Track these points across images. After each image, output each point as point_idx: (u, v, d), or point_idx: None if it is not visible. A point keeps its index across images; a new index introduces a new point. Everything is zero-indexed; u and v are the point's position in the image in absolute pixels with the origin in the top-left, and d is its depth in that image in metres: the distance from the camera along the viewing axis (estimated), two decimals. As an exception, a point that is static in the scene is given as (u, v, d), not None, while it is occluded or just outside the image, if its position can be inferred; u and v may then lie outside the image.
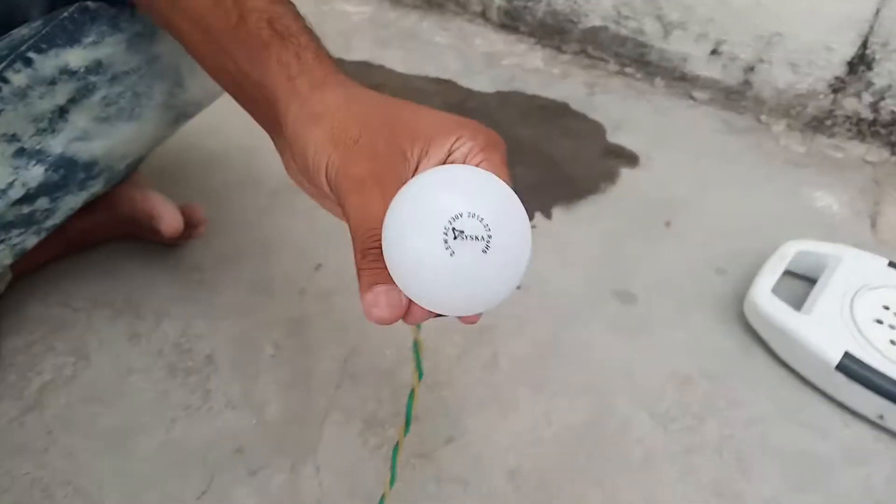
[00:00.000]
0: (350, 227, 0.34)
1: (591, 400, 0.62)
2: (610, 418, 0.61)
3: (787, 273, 0.73)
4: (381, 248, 0.31)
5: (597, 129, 0.93)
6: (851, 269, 0.69)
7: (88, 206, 0.62)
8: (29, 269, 0.65)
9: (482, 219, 0.27)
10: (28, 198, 0.53)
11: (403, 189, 0.30)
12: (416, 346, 0.38)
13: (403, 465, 0.56)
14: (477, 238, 0.27)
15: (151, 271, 0.68)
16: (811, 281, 0.72)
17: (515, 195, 0.29)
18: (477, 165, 0.35)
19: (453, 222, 0.27)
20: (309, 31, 0.40)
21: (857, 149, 0.91)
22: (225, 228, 0.73)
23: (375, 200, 0.33)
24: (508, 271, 0.28)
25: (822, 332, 0.63)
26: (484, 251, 0.27)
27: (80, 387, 0.58)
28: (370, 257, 0.32)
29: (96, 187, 0.58)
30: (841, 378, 0.61)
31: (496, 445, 0.58)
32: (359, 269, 0.33)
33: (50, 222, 0.56)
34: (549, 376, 0.63)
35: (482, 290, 0.28)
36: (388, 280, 0.31)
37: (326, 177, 0.35)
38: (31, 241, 0.56)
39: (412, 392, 0.40)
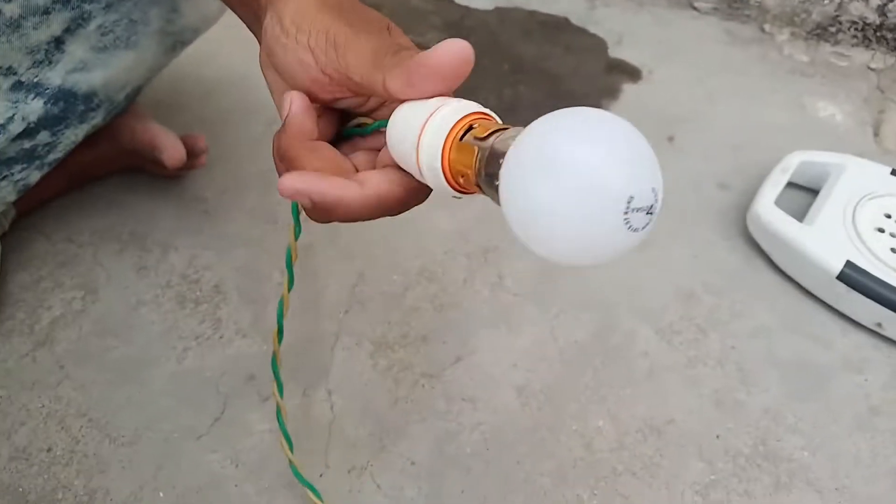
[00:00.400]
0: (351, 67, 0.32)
1: (596, 316, 0.63)
2: (614, 334, 0.62)
3: (791, 185, 0.73)
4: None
5: (598, 44, 0.91)
6: (854, 178, 0.69)
7: (89, 140, 0.61)
8: (33, 205, 0.65)
9: (656, 193, 0.24)
10: (28, 132, 0.52)
11: (558, 142, 0.25)
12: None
13: (412, 386, 0.57)
14: (649, 209, 0.24)
15: (155, 204, 0.68)
16: (815, 192, 0.72)
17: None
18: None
19: (632, 203, 0.24)
20: None
21: (863, 56, 0.89)
22: (226, 158, 0.73)
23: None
24: (644, 237, 0.25)
25: (824, 241, 0.64)
26: (646, 227, 0.25)
27: (90, 321, 0.59)
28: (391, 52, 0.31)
29: (96, 119, 0.57)
30: (842, 287, 0.61)
31: (503, 363, 0.59)
32: (382, 65, 0.31)
33: (52, 156, 0.56)
34: (554, 295, 0.64)
35: (617, 253, 0.26)
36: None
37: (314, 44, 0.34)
38: (34, 176, 0.56)
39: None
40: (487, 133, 0.28)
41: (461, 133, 0.29)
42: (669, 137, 0.80)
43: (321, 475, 0.52)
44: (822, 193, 0.69)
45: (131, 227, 0.66)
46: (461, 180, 0.29)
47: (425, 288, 0.64)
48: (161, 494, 0.50)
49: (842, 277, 0.61)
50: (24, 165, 0.55)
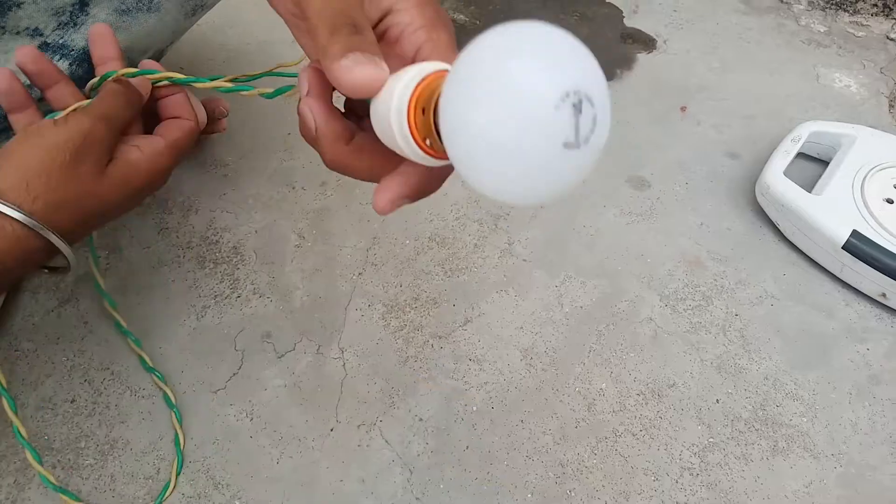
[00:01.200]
0: (311, 15, 0.31)
1: (602, 283, 0.64)
2: (620, 300, 0.63)
3: (802, 156, 0.74)
4: (353, 24, 0.29)
5: (614, 13, 0.91)
6: (864, 148, 0.69)
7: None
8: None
9: (591, 97, 0.22)
10: None
11: (487, 47, 0.23)
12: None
13: (422, 346, 0.59)
14: (583, 101, 0.21)
15: (178, 167, 0.70)
16: (825, 163, 0.72)
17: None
18: (419, 43, 0.32)
19: (567, 95, 0.21)
20: None
21: (881, 25, 0.88)
22: (246, 124, 0.74)
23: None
24: (596, 156, 0.22)
25: (831, 211, 0.64)
26: (590, 136, 0.22)
27: (113, 279, 0.61)
28: (344, 31, 0.30)
29: None
30: (847, 257, 0.62)
31: (510, 326, 0.61)
32: (326, 42, 0.30)
33: None
34: (561, 261, 0.66)
35: (569, 181, 0.23)
36: (369, 50, 0.29)
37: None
38: None
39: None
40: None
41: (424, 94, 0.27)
42: (682, 107, 0.80)
43: (331, 430, 0.54)
44: (832, 164, 0.70)
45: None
46: (428, 142, 0.27)
47: (436, 252, 0.65)
48: (178, 385, 0.53)
49: (847, 247, 0.62)
50: None
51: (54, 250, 0.43)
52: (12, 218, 0.40)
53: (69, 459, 0.52)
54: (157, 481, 0.51)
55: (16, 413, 0.50)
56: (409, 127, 0.27)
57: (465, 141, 0.22)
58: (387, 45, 0.33)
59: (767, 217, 0.69)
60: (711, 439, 0.55)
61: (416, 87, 0.27)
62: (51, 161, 0.42)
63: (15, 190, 0.41)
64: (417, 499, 0.51)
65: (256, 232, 0.65)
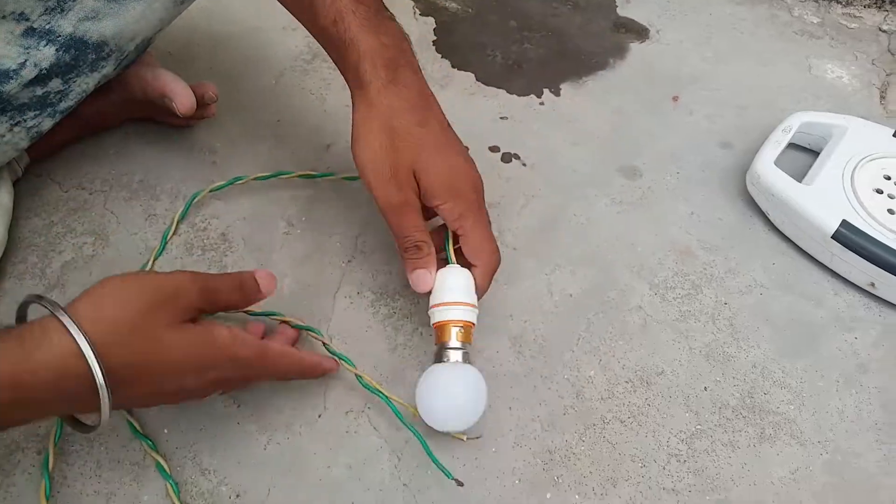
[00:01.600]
0: (393, 232, 0.54)
1: (593, 271, 0.64)
2: (610, 288, 0.63)
3: (794, 146, 0.74)
4: (416, 245, 0.53)
5: (607, 3, 0.91)
6: (856, 139, 0.69)
7: (101, 88, 0.63)
8: (45, 152, 0.67)
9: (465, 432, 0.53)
10: (41, 79, 0.53)
11: (431, 381, 0.51)
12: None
13: (411, 334, 0.59)
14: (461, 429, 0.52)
15: (166, 153, 0.70)
16: (815, 154, 0.72)
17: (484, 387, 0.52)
18: (455, 228, 0.54)
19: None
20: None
21: (874, 17, 0.88)
22: (235, 110, 0.74)
23: (409, 219, 0.53)
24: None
25: (822, 201, 0.64)
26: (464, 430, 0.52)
27: (100, 265, 0.61)
28: (410, 252, 0.53)
29: (107, 68, 0.58)
30: (836, 246, 0.62)
31: (499, 314, 0.61)
32: (404, 259, 0.54)
33: (64, 104, 0.57)
34: (552, 249, 0.66)
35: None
36: (425, 266, 0.53)
37: (367, 185, 0.53)
38: (47, 123, 0.57)
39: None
40: (448, 339, 0.52)
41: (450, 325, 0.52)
42: (675, 97, 0.80)
43: (319, 416, 0.54)
44: (822, 154, 0.70)
45: (141, 176, 0.68)
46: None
47: (426, 240, 0.65)
48: (165, 430, 0.52)
49: (837, 237, 0.62)
50: (37, 112, 0.56)
51: (91, 399, 0.39)
52: (67, 331, 0.38)
53: (57, 446, 0.52)
54: (143, 467, 0.51)
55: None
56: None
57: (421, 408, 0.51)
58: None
59: (758, 207, 0.69)
60: (699, 426, 0.55)
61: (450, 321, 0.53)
62: (131, 297, 0.41)
63: (83, 309, 0.40)
64: (405, 485, 0.51)
65: (245, 219, 0.65)
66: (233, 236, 0.64)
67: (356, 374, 0.54)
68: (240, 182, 0.65)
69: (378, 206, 0.53)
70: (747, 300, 0.63)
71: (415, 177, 0.52)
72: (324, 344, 0.56)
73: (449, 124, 0.56)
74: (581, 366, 0.58)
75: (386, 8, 0.55)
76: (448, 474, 0.51)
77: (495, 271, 0.55)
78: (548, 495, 0.51)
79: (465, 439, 0.53)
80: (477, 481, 0.52)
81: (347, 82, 0.55)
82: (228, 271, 0.61)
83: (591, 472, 0.52)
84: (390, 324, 0.60)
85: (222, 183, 0.65)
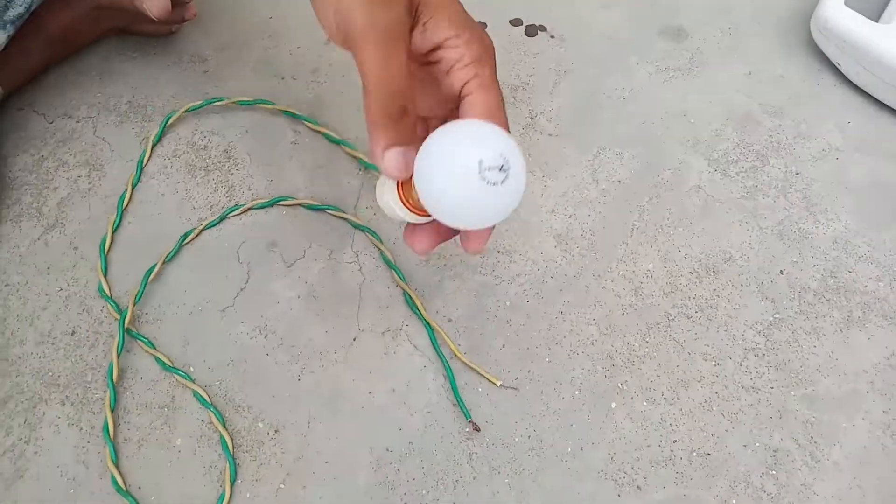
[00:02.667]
0: (367, 81, 0.36)
1: (641, 152, 0.57)
2: (663, 169, 0.56)
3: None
4: (399, 110, 0.36)
5: None
6: (943, -35, 0.59)
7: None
8: (21, 81, 0.60)
9: (505, 160, 0.33)
10: None
11: (437, 140, 0.34)
12: None
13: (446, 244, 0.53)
14: (501, 169, 0.33)
15: (151, 69, 0.63)
16: (892, -12, 0.62)
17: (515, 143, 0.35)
18: (466, 78, 0.38)
19: (483, 164, 0.33)
20: None
21: None
22: (222, 13, 0.66)
23: (396, 59, 0.36)
24: (517, 195, 0.35)
25: (906, 44, 0.55)
26: (504, 181, 0.33)
27: (98, 198, 0.56)
28: (389, 118, 0.36)
29: None
30: (926, 93, 0.54)
31: (540, 210, 0.54)
32: (374, 126, 0.36)
33: (12, 12, 0.50)
34: (593, 131, 0.58)
35: (502, 210, 0.35)
36: (405, 141, 0.36)
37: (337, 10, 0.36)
38: None
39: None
40: None
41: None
42: (719, -60, 0.69)
43: (354, 339, 0.49)
44: (902, -13, 0.60)
45: (129, 97, 0.61)
46: (411, 202, 0.38)
47: (451, 135, 0.58)
48: (192, 369, 0.49)
49: (926, 82, 0.54)
50: None
51: None
52: None
53: (77, 395, 0.48)
54: (172, 409, 0.47)
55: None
56: (399, 196, 0.38)
57: (432, 198, 0.34)
58: (437, 75, 0.39)
59: (826, 58, 0.60)
60: (777, 315, 0.49)
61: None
62: None
63: None
64: (454, 405, 0.47)
65: (247, 131, 0.59)
66: (236, 153, 0.58)
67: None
68: (218, 103, 0.59)
69: (348, 37, 0.36)
70: (822, 167, 0.56)
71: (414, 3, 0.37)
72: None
73: None
74: (637, 259, 0.52)
75: None
76: (467, 415, 0.46)
77: None
78: (612, 405, 0.46)
79: (498, 384, 0.47)
80: (532, 396, 0.47)
81: None
82: (237, 191, 0.56)
83: (658, 376, 0.47)
84: (420, 232, 0.54)
85: (198, 103, 0.59)
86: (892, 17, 0.57)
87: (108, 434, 0.46)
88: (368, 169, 0.57)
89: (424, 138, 0.35)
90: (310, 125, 0.59)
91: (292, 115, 0.59)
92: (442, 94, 0.39)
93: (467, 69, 0.37)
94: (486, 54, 0.38)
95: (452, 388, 0.47)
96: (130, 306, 0.50)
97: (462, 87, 0.38)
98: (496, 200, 0.34)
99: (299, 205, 0.55)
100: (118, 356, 0.48)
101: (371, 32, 0.35)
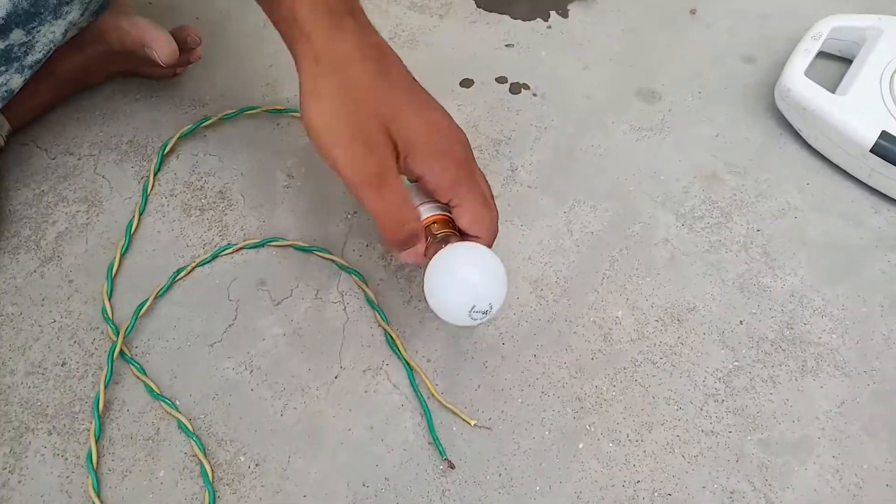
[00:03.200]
0: (376, 218, 0.43)
1: (614, 205, 0.60)
2: (633, 222, 0.59)
3: (823, 54, 0.68)
4: (410, 236, 0.45)
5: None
6: (892, 41, 0.64)
7: (76, 43, 0.58)
8: (28, 118, 0.63)
9: (491, 306, 0.44)
10: (0, 30, 0.49)
11: (443, 261, 0.45)
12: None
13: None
14: (485, 313, 0.44)
15: (153, 111, 0.66)
16: (849, 62, 0.66)
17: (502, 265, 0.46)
18: (447, 200, 0.46)
19: (474, 308, 0.44)
20: None
21: None
22: (223, 59, 0.69)
23: (393, 195, 0.43)
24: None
25: (858, 112, 0.59)
26: (486, 315, 0.44)
27: (95, 233, 0.58)
28: (401, 244, 0.45)
29: (72, 14, 0.53)
30: (876, 160, 0.58)
31: (517, 257, 0.57)
32: (391, 250, 0.50)
33: (31, 58, 0.53)
34: (569, 185, 0.62)
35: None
36: (415, 248, 0.46)
37: (326, 157, 0.43)
38: (16, 80, 0.53)
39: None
40: (436, 232, 0.46)
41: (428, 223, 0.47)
42: (692, 10, 0.74)
43: (336, 376, 0.52)
44: (856, 61, 0.65)
45: (130, 136, 0.64)
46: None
47: (435, 184, 0.61)
48: (178, 402, 0.50)
49: (876, 150, 0.57)
50: (2, 69, 0.52)
51: None
52: None
53: (64, 425, 0.50)
54: (156, 441, 0.49)
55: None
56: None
57: (431, 304, 0.46)
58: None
59: (788, 123, 0.64)
60: (736, 363, 0.52)
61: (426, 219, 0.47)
62: None
63: None
64: (430, 443, 0.49)
65: (243, 174, 0.62)
66: (231, 193, 0.60)
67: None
68: (206, 123, 0.63)
69: (347, 184, 0.42)
70: (781, 225, 0.59)
71: (395, 135, 0.43)
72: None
73: (415, 79, 0.46)
74: (607, 306, 0.55)
75: None
76: (442, 453, 0.48)
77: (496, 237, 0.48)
78: (580, 445, 0.49)
79: (472, 424, 0.49)
80: (504, 434, 0.49)
81: (285, 38, 0.45)
82: (230, 231, 0.58)
83: (624, 418, 0.50)
84: (402, 275, 0.56)
85: (190, 126, 0.63)
86: (847, 89, 0.62)
87: (92, 464, 0.48)
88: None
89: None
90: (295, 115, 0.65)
91: (276, 112, 0.65)
92: None
93: (447, 194, 0.45)
94: (461, 173, 0.45)
95: (429, 427, 0.49)
96: (121, 339, 0.52)
97: (447, 203, 0.46)
98: (472, 324, 0.45)
99: (289, 246, 0.57)
100: (105, 387, 0.50)
101: (364, 179, 0.42)
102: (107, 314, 0.53)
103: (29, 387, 0.51)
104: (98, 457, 0.48)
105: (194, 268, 0.56)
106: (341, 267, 0.56)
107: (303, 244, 0.57)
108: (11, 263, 0.57)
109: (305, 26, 0.43)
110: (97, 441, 0.48)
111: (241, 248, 0.57)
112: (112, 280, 0.55)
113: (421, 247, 0.46)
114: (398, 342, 0.52)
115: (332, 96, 0.42)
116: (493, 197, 0.48)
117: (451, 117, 0.46)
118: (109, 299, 0.54)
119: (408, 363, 0.52)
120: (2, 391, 0.51)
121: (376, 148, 0.42)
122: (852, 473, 0.48)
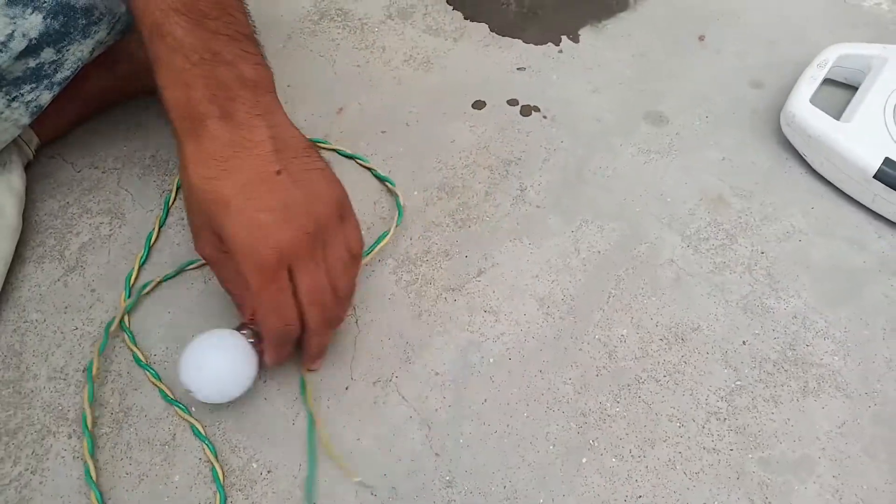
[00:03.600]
0: (256, 312, 0.48)
1: (621, 225, 0.62)
2: (640, 243, 0.61)
3: (829, 81, 0.70)
4: (288, 332, 0.48)
5: (625, -61, 0.86)
6: (897, 70, 0.65)
7: (107, 61, 0.61)
8: (56, 133, 0.65)
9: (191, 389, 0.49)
10: (32, 49, 0.52)
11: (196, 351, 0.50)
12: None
13: (435, 300, 0.57)
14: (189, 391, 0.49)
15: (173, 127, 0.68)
16: (854, 89, 0.68)
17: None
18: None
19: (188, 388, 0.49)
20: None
21: (915, -64, 0.83)
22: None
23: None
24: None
25: (862, 139, 0.61)
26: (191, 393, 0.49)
27: (118, 244, 0.60)
28: (277, 341, 0.49)
29: (100, 33, 0.56)
30: (879, 186, 0.59)
31: (525, 275, 0.59)
32: (264, 342, 0.50)
33: (60, 75, 0.55)
34: (577, 206, 0.63)
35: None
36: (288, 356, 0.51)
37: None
38: (45, 97, 0.56)
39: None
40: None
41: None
42: (701, 36, 0.76)
43: (347, 388, 0.53)
44: (861, 88, 0.66)
45: (154, 151, 0.66)
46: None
47: (446, 203, 0.63)
48: (193, 409, 0.52)
49: (879, 176, 0.58)
50: (33, 85, 0.54)
51: None
52: None
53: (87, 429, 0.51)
54: (172, 447, 0.51)
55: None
56: None
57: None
58: None
59: (793, 148, 0.65)
60: (738, 382, 0.53)
61: None
62: None
63: None
64: (437, 454, 0.50)
65: (260, 190, 0.63)
66: (248, 209, 0.62)
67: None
68: None
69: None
70: (785, 248, 0.60)
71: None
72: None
73: (287, 146, 0.46)
74: (612, 325, 0.56)
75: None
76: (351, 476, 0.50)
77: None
78: (583, 460, 0.50)
79: (355, 481, 0.49)
80: (509, 448, 0.50)
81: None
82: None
83: (627, 434, 0.51)
84: (413, 290, 0.58)
85: None
86: (851, 116, 0.63)
87: (87, 427, 0.51)
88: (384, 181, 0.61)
89: None
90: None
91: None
92: None
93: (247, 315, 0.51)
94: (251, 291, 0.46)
95: (308, 475, 0.49)
96: (122, 312, 0.53)
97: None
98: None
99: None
100: (99, 354, 0.52)
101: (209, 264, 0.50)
102: (125, 325, 0.55)
103: (51, 391, 0.53)
104: (115, 460, 0.50)
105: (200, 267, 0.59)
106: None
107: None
108: (37, 272, 0.59)
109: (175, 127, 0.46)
110: (90, 404, 0.51)
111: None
112: (130, 289, 0.57)
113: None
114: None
115: (187, 193, 0.47)
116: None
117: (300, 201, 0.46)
118: (128, 312, 0.56)
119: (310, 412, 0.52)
120: (25, 395, 0.52)
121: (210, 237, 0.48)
122: (852, 493, 0.48)
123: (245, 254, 0.44)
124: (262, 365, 0.51)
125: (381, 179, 0.64)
